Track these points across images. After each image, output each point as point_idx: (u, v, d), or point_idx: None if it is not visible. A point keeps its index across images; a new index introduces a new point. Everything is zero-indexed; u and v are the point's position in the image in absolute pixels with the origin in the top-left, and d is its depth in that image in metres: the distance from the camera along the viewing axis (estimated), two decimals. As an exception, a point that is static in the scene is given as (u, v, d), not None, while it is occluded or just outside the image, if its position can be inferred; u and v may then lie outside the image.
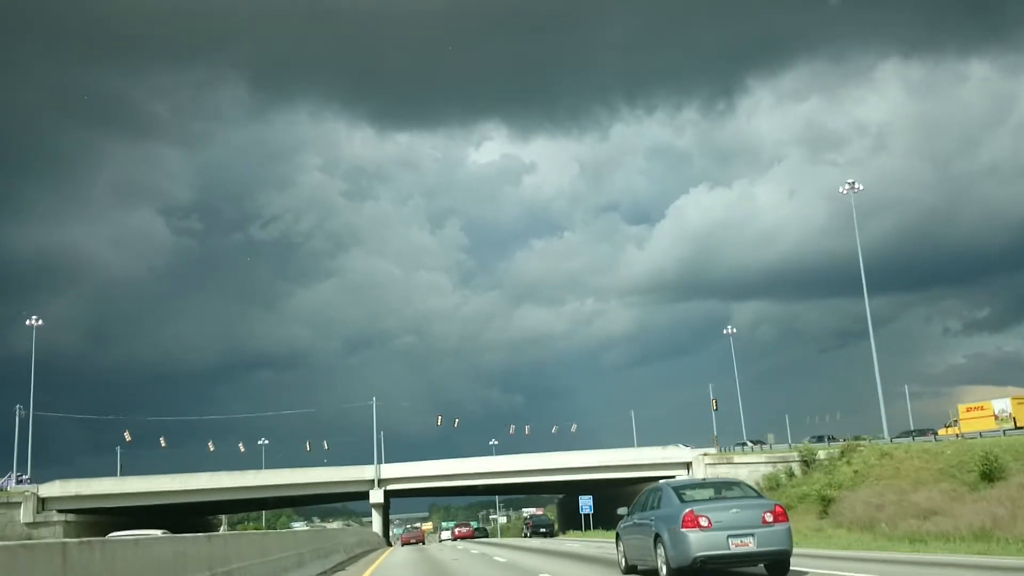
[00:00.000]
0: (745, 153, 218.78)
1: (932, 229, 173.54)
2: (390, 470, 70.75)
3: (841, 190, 67.68)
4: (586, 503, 61.34)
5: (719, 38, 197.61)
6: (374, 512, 71.59)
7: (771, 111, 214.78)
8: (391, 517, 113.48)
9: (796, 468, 54.27)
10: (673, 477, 63.31)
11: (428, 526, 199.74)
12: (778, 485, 52.56)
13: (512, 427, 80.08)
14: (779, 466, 55.15)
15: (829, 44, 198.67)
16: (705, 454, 60.73)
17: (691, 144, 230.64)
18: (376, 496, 69.86)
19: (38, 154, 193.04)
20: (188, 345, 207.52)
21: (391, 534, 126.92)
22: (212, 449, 79.69)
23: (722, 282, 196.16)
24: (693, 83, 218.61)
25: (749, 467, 57.60)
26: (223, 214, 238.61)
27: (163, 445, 76.94)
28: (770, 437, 65.34)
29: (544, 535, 64.42)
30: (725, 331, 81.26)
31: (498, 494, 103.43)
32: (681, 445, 63.68)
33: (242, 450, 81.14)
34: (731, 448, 63.91)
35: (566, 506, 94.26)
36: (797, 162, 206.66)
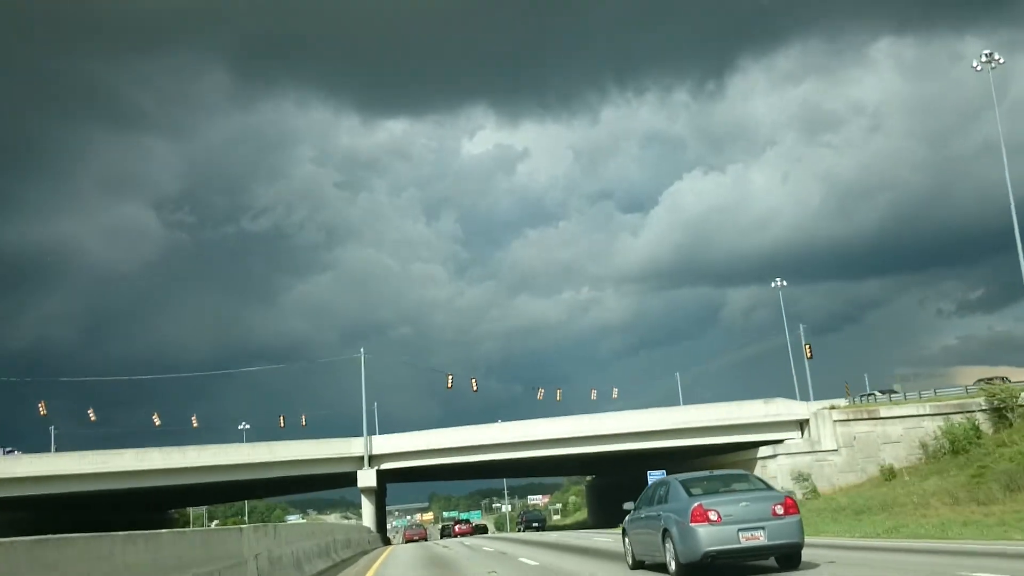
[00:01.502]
0: (739, 136, 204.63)
1: (927, 210, 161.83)
2: (383, 444, 51.81)
3: (974, 65, 49.11)
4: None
5: (709, 17, 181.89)
6: (364, 500, 52.59)
7: (765, 93, 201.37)
8: (387, 508, 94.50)
9: (982, 420, 35.67)
10: (781, 442, 44.60)
11: (429, 516, 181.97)
12: (969, 444, 33.82)
13: (541, 391, 60.68)
14: (955, 418, 36.49)
15: (822, 22, 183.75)
16: (832, 407, 41.87)
17: (684, 128, 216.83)
18: (367, 478, 50.94)
19: (22, 148, 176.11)
20: (183, 340, 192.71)
21: (390, 527, 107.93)
22: (158, 423, 60.69)
23: (717, 268, 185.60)
24: (684, 64, 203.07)
25: (904, 422, 38.82)
26: (213, 206, 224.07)
27: (92, 419, 57.67)
28: (899, 386, 46.65)
29: (537, 529, 61.94)
30: (773, 284, 63.42)
31: (518, 473, 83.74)
32: (781, 399, 44.80)
33: (195, 425, 61.82)
34: (861, 399, 44.84)
35: (597, 491, 75.28)
36: (791, 145, 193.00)
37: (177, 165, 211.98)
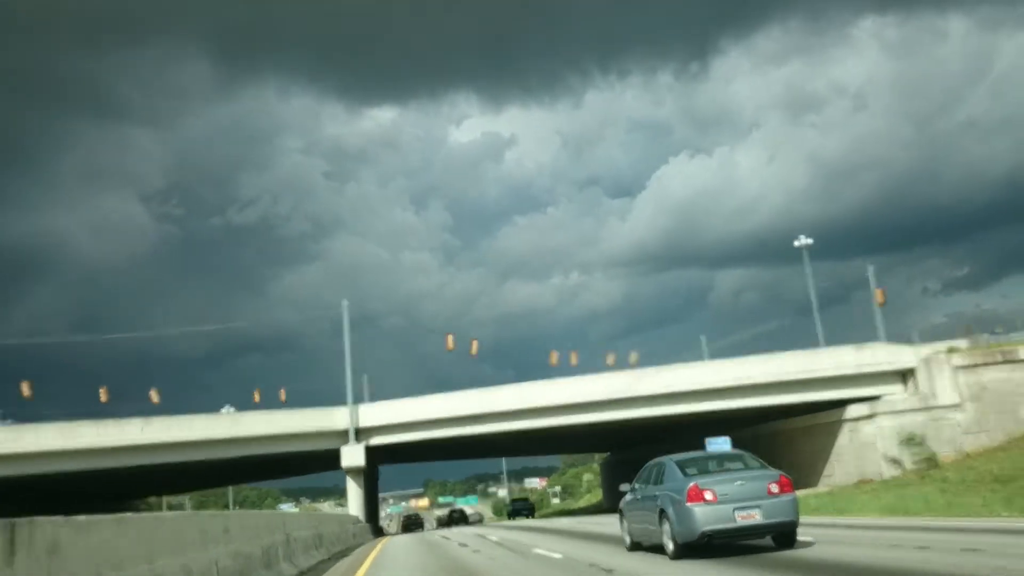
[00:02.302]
0: (724, 118, 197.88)
1: (913, 189, 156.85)
2: (372, 414, 42.18)
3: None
4: (721, 450, 32.98)
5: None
6: (350, 483, 42.90)
7: (748, 75, 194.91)
8: (379, 495, 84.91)
9: None
10: (877, 398, 35.49)
11: (424, 503, 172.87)
12: None
13: (554, 354, 50.89)
14: None
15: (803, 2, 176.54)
16: (950, 349, 32.43)
17: (670, 111, 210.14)
18: (352, 456, 41.29)
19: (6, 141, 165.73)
20: (174, 332, 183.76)
21: (383, 515, 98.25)
22: (105, 400, 50.60)
23: (705, 251, 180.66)
24: (667, 46, 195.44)
25: (1054, 364, 29.58)
26: (201, 198, 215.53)
27: (27, 394, 47.71)
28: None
29: (526, 516, 61.05)
30: (796, 243, 53.51)
31: (531, 449, 73.07)
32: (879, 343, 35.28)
33: (155, 401, 51.87)
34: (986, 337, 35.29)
35: (614, 470, 65.80)
36: (776, 126, 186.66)
37: (161, 156, 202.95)
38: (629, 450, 63.23)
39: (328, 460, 44.12)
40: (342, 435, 41.55)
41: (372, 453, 42.85)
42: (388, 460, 57.07)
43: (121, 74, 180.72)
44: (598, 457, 77.11)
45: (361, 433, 41.79)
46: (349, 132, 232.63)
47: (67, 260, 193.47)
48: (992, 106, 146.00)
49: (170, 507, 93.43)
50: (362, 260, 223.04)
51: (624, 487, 14.33)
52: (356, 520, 37.69)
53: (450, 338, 47.43)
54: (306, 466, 57.25)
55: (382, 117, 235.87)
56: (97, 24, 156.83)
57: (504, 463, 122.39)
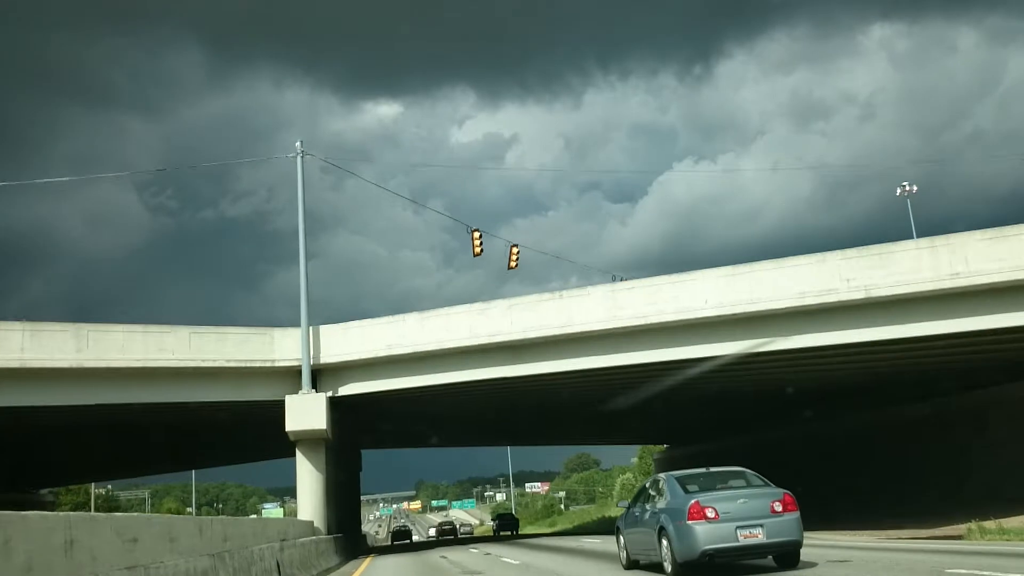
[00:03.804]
0: (727, 122, 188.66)
1: (917, 200, 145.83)
2: (343, 342, 23.42)
3: None
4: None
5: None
6: (301, 462, 24.00)
7: (755, 81, 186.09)
8: (363, 496, 65.72)
9: None
10: None
11: (416, 505, 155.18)
12: None
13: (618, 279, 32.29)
14: None
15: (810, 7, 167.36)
16: None
17: (673, 114, 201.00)
18: (303, 412, 22.39)
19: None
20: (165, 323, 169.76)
21: (370, 520, 79.80)
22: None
23: (706, 256, 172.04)
24: (670, 46, 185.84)
25: None
26: (195, 190, 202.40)
27: None
28: None
29: (511, 533, 54.73)
30: (897, 193, 43.47)
31: (606, 432, 51.10)
32: None
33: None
34: None
35: (672, 467, 46.98)
36: (783, 133, 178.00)
37: (155, 147, 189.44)
38: (693, 444, 46.07)
39: (248, 411, 25.57)
40: (291, 377, 22.97)
41: (342, 412, 24.25)
42: (370, 441, 38.52)
43: (115, 64, 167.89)
44: (652, 449, 58.88)
45: (323, 375, 23.21)
46: (347, 128, 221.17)
47: (59, 249, 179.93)
48: (1002, 118, 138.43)
49: (103, 504, 73.78)
50: (360, 257, 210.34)
51: (622, 503, 14.06)
52: (310, 531, 19.07)
53: (476, 236, 28.73)
54: (263, 443, 38.17)
55: (380, 112, 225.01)
56: (92, 12, 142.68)
57: (509, 460, 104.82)
